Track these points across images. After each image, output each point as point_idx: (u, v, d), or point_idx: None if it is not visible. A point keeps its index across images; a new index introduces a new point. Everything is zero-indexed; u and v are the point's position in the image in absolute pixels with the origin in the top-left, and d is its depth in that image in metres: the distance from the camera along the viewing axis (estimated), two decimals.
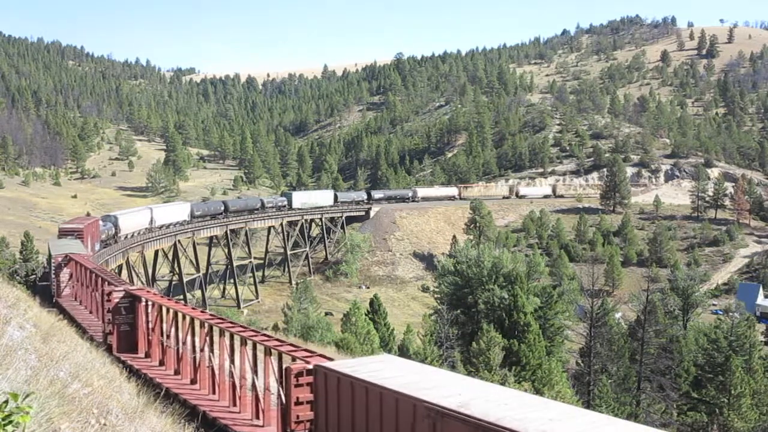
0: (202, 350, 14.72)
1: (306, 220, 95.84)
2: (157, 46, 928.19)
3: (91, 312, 23.54)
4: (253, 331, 13.47)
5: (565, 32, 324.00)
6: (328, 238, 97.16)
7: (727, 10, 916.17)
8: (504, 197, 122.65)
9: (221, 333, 13.76)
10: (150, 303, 17.20)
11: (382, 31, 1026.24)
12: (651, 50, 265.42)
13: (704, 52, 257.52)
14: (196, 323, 15.06)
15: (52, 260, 27.97)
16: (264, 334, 12.92)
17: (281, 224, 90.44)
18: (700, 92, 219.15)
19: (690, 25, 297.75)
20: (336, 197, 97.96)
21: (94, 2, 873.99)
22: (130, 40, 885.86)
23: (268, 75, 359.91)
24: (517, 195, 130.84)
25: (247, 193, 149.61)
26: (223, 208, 77.67)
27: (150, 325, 17.23)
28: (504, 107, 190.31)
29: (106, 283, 19.94)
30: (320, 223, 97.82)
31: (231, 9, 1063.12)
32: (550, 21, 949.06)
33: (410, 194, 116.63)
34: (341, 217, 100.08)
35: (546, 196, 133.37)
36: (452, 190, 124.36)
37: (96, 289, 22.24)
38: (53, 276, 27.95)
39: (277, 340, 12.36)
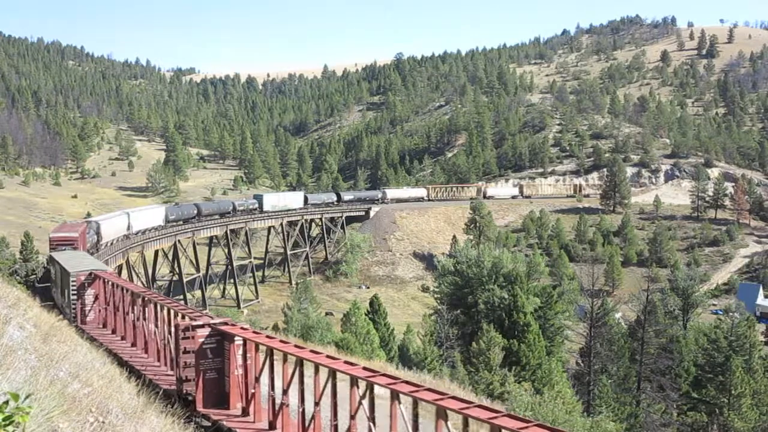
0: (353, 417, 10.69)
1: (306, 220, 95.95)
2: (157, 46, 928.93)
3: (134, 345, 19.59)
4: (459, 400, 9.32)
5: (565, 32, 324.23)
6: (328, 238, 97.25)
7: (727, 10, 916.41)
8: (472, 198, 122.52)
9: (395, 397, 9.95)
10: (248, 343, 13.37)
11: (382, 31, 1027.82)
12: (651, 50, 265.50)
13: (704, 52, 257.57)
14: (342, 379, 10.84)
15: (72, 279, 24.10)
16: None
17: (281, 224, 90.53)
18: (700, 92, 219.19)
19: (690, 25, 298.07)
20: (306, 199, 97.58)
21: (94, 2, 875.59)
22: (130, 40, 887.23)
23: (268, 75, 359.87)
24: (484, 196, 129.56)
25: (248, 192, 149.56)
26: (196, 211, 76.63)
27: (251, 373, 13.32)
28: (504, 107, 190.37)
29: (169, 311, 16.21)
30: (320, 223, 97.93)
31: (231, 9, 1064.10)
32: (550, 21, 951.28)
33: (380, 195, 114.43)
34: (341, 217, 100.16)
35: (513, 197, 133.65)
36: (421, 192, 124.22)
37: (144, 317, 18.65)
38: (75, 298, 24.20)
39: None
